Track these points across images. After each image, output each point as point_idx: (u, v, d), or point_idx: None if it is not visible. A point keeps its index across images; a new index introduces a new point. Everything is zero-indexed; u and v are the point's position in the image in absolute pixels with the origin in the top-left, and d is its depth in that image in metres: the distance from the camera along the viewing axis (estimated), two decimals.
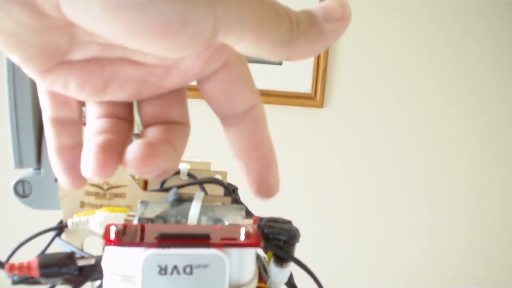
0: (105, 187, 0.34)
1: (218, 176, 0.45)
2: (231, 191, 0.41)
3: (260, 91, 1.56)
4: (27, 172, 0.41)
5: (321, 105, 1.67)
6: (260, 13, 0.21)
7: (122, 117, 0.26)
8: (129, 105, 0.27)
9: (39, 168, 0.39)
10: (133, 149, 0.22)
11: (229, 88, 0.26)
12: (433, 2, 1.66)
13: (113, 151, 0.23)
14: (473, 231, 1.78)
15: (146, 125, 0.26)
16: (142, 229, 0.27)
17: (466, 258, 1.79)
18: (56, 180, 0.38)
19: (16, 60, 0.21)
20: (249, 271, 0.27)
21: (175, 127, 0.26)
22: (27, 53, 0.21)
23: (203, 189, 0.43)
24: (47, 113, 0.26)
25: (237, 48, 0.21)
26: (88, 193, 0.34)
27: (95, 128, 0.25)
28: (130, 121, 0.27)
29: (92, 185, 0.34)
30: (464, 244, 1.79)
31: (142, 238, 0.27)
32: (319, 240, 1.75)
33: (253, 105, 0.27)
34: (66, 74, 0.23)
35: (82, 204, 0.34)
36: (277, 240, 0.30)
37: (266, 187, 0.28)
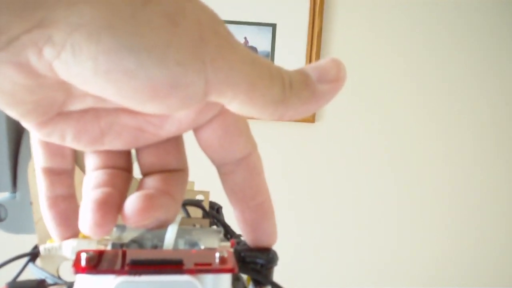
0: None
1: (200, 196, 0.44)
2: (210, 213, 0.41)
3: None
4: (3, 196, 0.40)
5: (312, 120, 1.67)
6: (252, 74, 0.21)
7: (120, 167, 0.26)
8: (127, 154, 0.27)
9: (14, 192, 0.39)
10: (131, 202, 0.23)
11: (224, 137, 0.26)
12: (422, 10, 1.67)
13: (111, 207, 0.23)
14: (473, 232, 1.78)
15: (144, 173, 0.26)
16: (114, 256, 0.27)
17: (466, 258, 1.79)
18: (31, 203, 0.38)
19: (13, 115, 0.21)
20: None
21: (173, 175, 0.26)
22: (24, 109, 0.21)
23: (185, 210, 0.42)
24: (40, 163, 0.26)
25: (229, 107, 0.21)
26: None
27: (92, 181, 0.25)
28: (128, 170, 0.27)
29: None
30: (464, 245, 1.78)
31: (114, 265, 0.26)
32: (309, 254, 1.74)
33: (248, 153, 0.27)
34: (63, 125, 0.23)
35: None
36: (254, 263, 0.30)
37: (263, 236, 0.28)
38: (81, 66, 0.18)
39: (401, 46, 1.67)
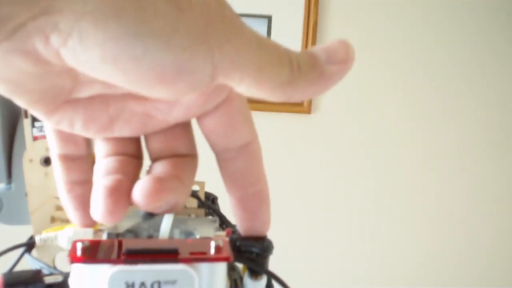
0: None
1: (195, 187, 0.44)
2: (205, 202, 0.41)
3: (248, 97, 1.58)
4: None
5: (308, 111, 1.67)
6: (260, 57, 0.21)
7: (130, 154, 0.26)
8: (136, 141, 0.27)
9: (9, 183, 0.39)
10: (141, 185, 0.23)
11: (231, 122, 0.26)
12: (418, 3, 1.67)
13: (122, 194, 0.23)
14: (471, 233, 1.79)
15: (153, 159, 0.26)
16: (110, 245, 0.27)
17: (465, 259, 1.80)
18: (26, 194, 0.38)
19: (21, 103, 0.21)
20: (220, 286, 0.27)
21: (183, 160, 0.26)
22: (31, 97, 0.21)
23: None
24: (55, 150, 0.26)
25: (237, 90, 0.22)
26: (58, 208, 0.33)
27: (103, 168, 0.25)
28: (138, 157, 0.27)
29: None
30: (463, 246, 1.79)
31: (110, 254, 0.26)
32: (308, 245, 1.75)
33: (251, 140, 0.27)
34: (72, 112, 0.23)
35: (53, 219, 0.34)
36: (250, 252, 0.30)
37: (259, 224, 0.28)
38: (89, 53, 0.18)
39: (397, 38, 1.67)
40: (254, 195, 0.28)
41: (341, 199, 1.74)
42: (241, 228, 0.29)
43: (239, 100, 0.26)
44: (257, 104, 1.61)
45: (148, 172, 0.26)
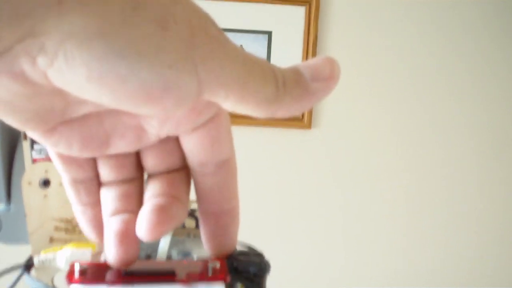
0: (74, 222, 0.33)
1: (194, 205, 0.44)
2: None
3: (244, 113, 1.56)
4: None
5: (309, 126, 1.67)
6: (244, 73, 0.21)
7: (131, 178, 0.27)
8: (133, 158, 0.27)
9: (9, 204, 0.39)
10: (144, 220, 0.23)
11: (218, 137, 0.26)
12: (418, 17, 1.68)
13: (132, 239, 0.25)
14: (466, 237, 1.78)
15: (149, 174, 0.27)
16: (108, 267, 0.27)
17: (465, 260, 1.79)
18: (26, 215, 0.38)
19: (13, 123, 0.21)
20: None
21: (179, 175, 0.27)
22: (23, 118, 0.21)
23: None
24: (63, 175, 0.26)
25: (223, 106, 0.22)
26: (57, 228, 0.34)
27: (109, 204, 0.26)
28: (138, 176, 0.27)
29: (61, 220, 0.34)
30: (460, 249, 1.78)
31: (107, 276, 0.26)
32: (308, 259, 1.74)
33: (231, 156, 0.27)
34: (68, 133, 0.23)
35: (52, 240, 0.34)
36: (247, 272, 0.30)
37: (229, 241, 0.28)
38: (75, 73, 0.19)
39: (397, 53, 1.68)
40: (228, 211, 0.28)
41: (341, 214, 1.73)
42: (209, 245, 0.28)
43: (226, 115, 0.26)
44: (256, 119, 1.62)
45: (146, 193, 0.26)
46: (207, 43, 0.20)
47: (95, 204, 0.26)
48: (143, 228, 0.23)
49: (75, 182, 0.26)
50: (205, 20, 0.21)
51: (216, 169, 0.27)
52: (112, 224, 0.25)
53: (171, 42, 0.19)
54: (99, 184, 0.27)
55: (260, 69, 0.22)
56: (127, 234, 0.25)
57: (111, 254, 0.25)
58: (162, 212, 0.24)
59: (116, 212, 0.26)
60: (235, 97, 0.21)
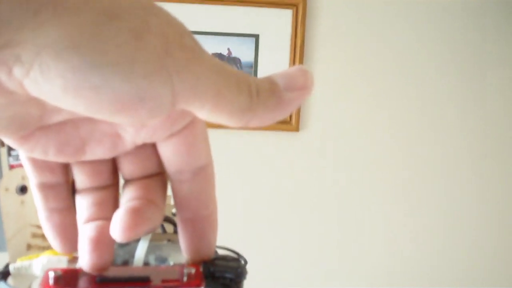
0: None
1: (174, 210, 0.44)
2: None
3: None
4: None
5: (296, 129, 1.68)
6: (218, 84, 0.21)
7: (107, 185, 0.27)
8: (109, 164, 0.27)
9: None
10: (118, 220, 0.23)
11: (194, 143, 0.26)
12: (405, 22, 1.69)
13: (106, 245, 0.25)
14: (468, 237, 1.79)
15: (126, 180, 0.27)
16: (83, 274, 0.27)
17: (465, 260, 1.80)
18: (3, 221, 0.38)
19: None
20: None
21: (155, 180, 0.27)
22: None
23: (161, 226, 0.42)
24: (32, 179, 0.26)
25: (199, 115, 0.22)
26: (34, 235, 0.34)
27: (84, 212, 0.26)
28: (113, 183, 0.27)
29: (39, 227, 0.34)
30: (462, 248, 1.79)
31: (82, 283, 0.26)
32: (294, 262, 1.74)
33: (208, 162, 0.27)
34: (44, 139, 0.23)
35: (29, 247, 0.34)
36: (224, 278, 0.30)
37: (206, 246, 0.28)
38: (51, 84, 0.19)
39: (385, 55, 1.69)
40: (206, 217, 0.28)
41: (330, 215, 1.74)
42: (187, 251, 0.28)
43: (202, 122, 0.26)
44: None
45: (123, 197, 0.27)
46: (181, 53, 0.21)
47: (62, 210, 0.26)
48: (117, 229, 0.23)
49: (44, 187, 0.26)
50: (181, 31, 0.21)
51: (193, 176, 0.27)
52: (86, 231, 0.25)
53: (145, 52, 0.19)
54: (68, 190, 0.27)
55: (234, 79, 0.22)
56: (101, 240, 0.25)
57: (85, 260, 0.25)
58: (137, 214, 0.24)
59: (91, 219, 0.26)
60: (209, 106, 0.21)
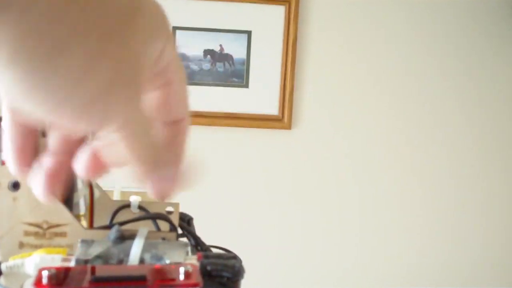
0: (44, 226, 0.33)
1: (169, 208, 0.44)
2: (180, 225, 0.41)
3: (227, 114, 1.56)
4: None
5: (289, 126, 1.67)
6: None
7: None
8: None
9: None
10: (80, 161, 0.25)
11: (171, 96, 0.28)
12: (396, 17, 1.69)
13: (58, 179, 0.26)
14: (452, 235, 1.80)
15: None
16: (77, 273, 0.26)
17: (464, 260, 1.81)
18: None
19: None
20: None
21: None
22: None
23: (155, 224, 0.42)
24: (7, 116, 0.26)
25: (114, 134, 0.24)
26: (27, 233, 0.33)
27: (52, 144, 0.26)
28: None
29: (31, 224, 0.33)
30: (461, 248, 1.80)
31: (76, 282, 0.26)
32: (290, 260, 1.74)
33: (183, 118, 0.29)
34: None
35: (21, 245, 0.33)
36: (221, 277, 0.30)
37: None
38: (8, 89, 0.20)
39: (377, 52, 1.69)
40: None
41: (323, 215, 1.74)
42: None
43: (179, 83, 0.28)
44: (236, 120, 1.61)
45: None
46: (123, 93, 0.22)
47: (27, 138, 0.26)
48: (79, 168, 0.25)
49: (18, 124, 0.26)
50: (131, 66, 0.23)
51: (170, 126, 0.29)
52: (47, 161, 0.26)
53: (89, 83, 0.21)
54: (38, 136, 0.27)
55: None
56: (56, 175, 0.25)
57: (36, 187, 0.25)
58: (96, 157, 0.25)
59: (55, 153, 0.26)
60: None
